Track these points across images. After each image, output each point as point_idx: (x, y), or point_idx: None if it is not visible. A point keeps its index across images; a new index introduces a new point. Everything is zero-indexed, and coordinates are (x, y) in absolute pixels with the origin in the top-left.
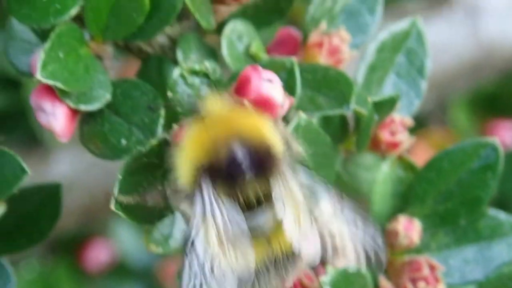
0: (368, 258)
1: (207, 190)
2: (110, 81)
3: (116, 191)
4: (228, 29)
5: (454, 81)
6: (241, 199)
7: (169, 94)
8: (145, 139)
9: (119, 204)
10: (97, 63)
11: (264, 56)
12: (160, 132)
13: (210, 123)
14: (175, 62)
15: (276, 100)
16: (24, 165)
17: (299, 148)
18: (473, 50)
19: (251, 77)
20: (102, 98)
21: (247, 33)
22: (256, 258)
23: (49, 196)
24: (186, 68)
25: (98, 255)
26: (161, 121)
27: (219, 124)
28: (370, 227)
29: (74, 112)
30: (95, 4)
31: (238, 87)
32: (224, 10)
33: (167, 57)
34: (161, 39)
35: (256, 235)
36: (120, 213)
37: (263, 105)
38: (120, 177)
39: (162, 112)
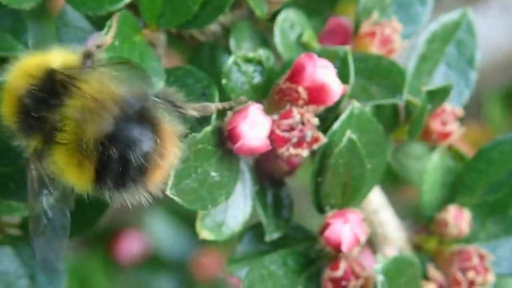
0: None
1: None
2: (163, 69)
3: (172, 177)
4: (280, 18)
5: (489, 76)
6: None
7: (223, 81)
8: (200, 126)
9: (175, 189)
10: (151, 50)
11: (316, 45)
12: (214, 118)
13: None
14: (228, 50)
15: (332, 87)
16: None
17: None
18: (508, 46)
19: (306, 64)
20: (156, 85)
21: (299, 22)
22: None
23: None
24: (240, 56)
25: (131, 247)
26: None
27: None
28: None
29: None
30: None
31: (292, 74)
32: None
33: (219, 45)
34: (213, 27)
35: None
36: (176, 198)
37: (318, 92)
38: None
39: (217, 98)
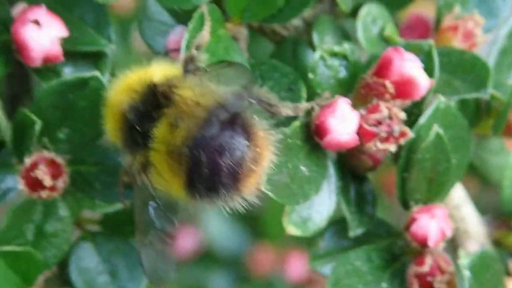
0: None
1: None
2: (248, 63)
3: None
4: (363, 12)
5: None
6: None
7: (310, 75)
8: (287, 121)
9: (268, 184)
10: (235, 44)
11: (398, 39)
12: (302, 113)
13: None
14: (310, 45)
15: (419, 81)
16: None
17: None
18: None
19: (393, 58)
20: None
21: (381, 16)
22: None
23: None
24: (326, 50)
25: (185, 242)
26: (303, 102)
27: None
28: None
29: None
30: None
31: (379, 68)
32: None
33: (301, 40)
34: (296, 21)
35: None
36: (270, 193)
37: (406, 86)
38: None
39: (304, 93)
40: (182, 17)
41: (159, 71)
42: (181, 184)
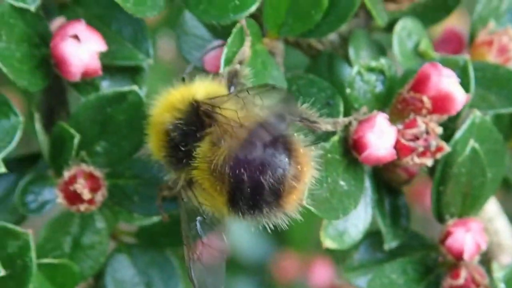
0: None
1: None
2: (284, 77)
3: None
4: (399, 26)
5: None
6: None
7: (348, 90)
8: (325, 135)
9: (310, 199)
10: (272, 59)
11: (433, 54)
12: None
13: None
14: (345, 59)
15: (456, 96)
16: None
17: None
18: None
19: (431, 73)
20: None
21: (416, 31)
22: None
23: None
24: (364, 65)
25: None
26: (341, 117)
27: (157, 116)
28: None
29: None
30: (275, 1)
31: (416, 83)
32: (393, 7)
33: (337, 54)
34: (331, 36)
35: None
36: (312, 208)
37: (443, 101)
38: None
39: (341, 108)
40: (219, 31)
41: (201, 89)
42: (224, 202)
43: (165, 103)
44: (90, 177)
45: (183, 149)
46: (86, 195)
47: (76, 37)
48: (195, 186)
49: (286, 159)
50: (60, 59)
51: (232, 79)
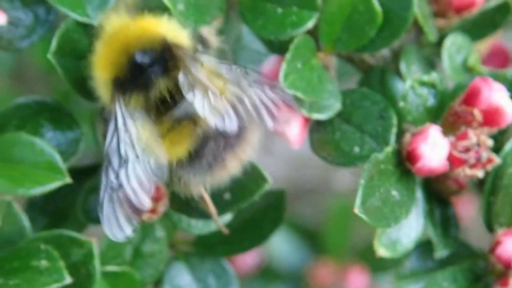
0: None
1: (118, 103)
2: (339, 91)
3: (359, 196)
4: (448, 42)
5: None
6: (156, 100)
7: (401, 104)
8: (379, 147)
9: (362, 208)
10: (327, 73)
11: (481, 68)
12: (393, 140)
13: (110, 38)
14: (397, 73)
15: (507, 110)
16: (265, 173)
17: (213, 40)
18: None
19: (482, 88)
20: (333, 107)
21: (465, 46)
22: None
23: (274, 202)
24: (416, 79)
25: (246, 257)
26: (394, 130)
27: (118, 37)
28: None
29: (306, 120)
30: (330, 17)
31: (467, 97)
32: (442, 23)
33: (389, 68)
34: (383, 51)
35: (182, 126)
36: (363, 216)
37: (493, 114)
38: (363, 182)
39: (395, 120)
40: (276, 46)
41: (171, 30)
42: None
43: (131, 28)
44: None
45: (147, 75)
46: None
47: None
48: (139, 120)
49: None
50: None
51: (199, 43)
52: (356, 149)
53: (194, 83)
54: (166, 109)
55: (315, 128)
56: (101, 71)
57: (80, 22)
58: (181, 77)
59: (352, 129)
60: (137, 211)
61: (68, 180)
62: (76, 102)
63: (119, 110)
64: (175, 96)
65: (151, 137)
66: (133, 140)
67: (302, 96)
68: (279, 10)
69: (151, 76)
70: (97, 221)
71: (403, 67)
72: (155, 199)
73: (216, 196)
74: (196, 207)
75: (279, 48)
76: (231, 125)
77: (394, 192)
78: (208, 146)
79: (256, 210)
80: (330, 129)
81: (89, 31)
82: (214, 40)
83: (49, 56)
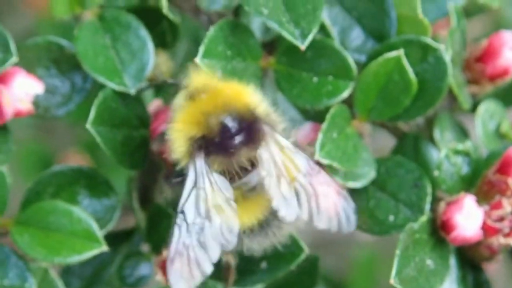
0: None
1: (200, 162)
2: (373, 159)
3: (395, 266)
4: (482, 108)
5: None
6: (235, 167)
7: (436, 172)
8: (413, 216)
9: (398, 278)
10: (361, 141)
11: None
12: (427, 209)
13: (198, 96)
14: (430, 140)
15: None
16: (302, 243)
17: (278, 117)
18: None
19: None
20: (367, 175)
21: (498, 113)
22: (244, 221)
23: (307, 267)
24: (451, 149)
25: None
26: (429, 199)
27: (207, 97)
28: (343, 191)
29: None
30: (365, 86)
31: (502, 166)
32: (476, 90)
33: (422, 135)
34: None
35: (250, 196)
36: (399, 287)
37: None
38: (398, 252)
39: (429, 190)
40: (311, 114)
41: (259, 103)
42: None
43: (224, 91)
44: None
45: (231, 142)
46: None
47: None
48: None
49: None
50: None
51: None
52: (391, 218)
53: (270, 162)
54: (242, 176)
55: (350, 196)
56: (186, 127)
57: (117, 91)
58: (261, 152)
59: (386, 197)
60: (201, 271)
61: (105, 248)
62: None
63: (200, 169)
64: (254, 165)
65: (227, 201)
66: (209, 202)
67: (338, 166)
68: (315, 79)
69: (237, 143)
70: (133, 286)
71: (437, 134)
72: None
73: (253, 264)
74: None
75: (314, 116)
76: (289, 214)
77: (429, 261)
78: (276, 217)
79: (290, 274)
80: (364, 197)
81: (126, 100)
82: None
83: (88, 126)
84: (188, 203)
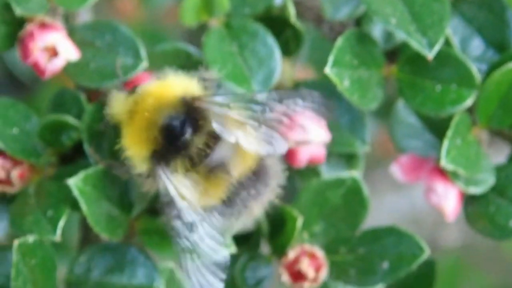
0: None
1: (165, 174)
2: (493, 165)
3: None
4: None
5: None
6: (194, 156)
7: None
8: None
9: None
10: (481, 149)
11: None
12: None
13: (131, 119)
14: None
15: None
16: (423, 244)
17: (212, 74)
18: None
19: None
20: (487, 181)
21: None
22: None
23: (425, 270)
24: None
25: None
26: None
27: (139, 115)
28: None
29: (461, 194)
30: (487, 95)
31: None
32: None
33: None
34: None
35: (219, 173)
36: None
37: None
38: None
39: None
40: (431, 121)
41: (180, 87)
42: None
43: (148, 101)
44: (313, 256)
45: (183, 139)
46: (311, 274)
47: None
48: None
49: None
50: (289, 152)
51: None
52: (511, 223)
53: (230, 125)
54: (200, 160)
55: (470, 201)
56: (137, 151)
57: None
58: (215, 125)
59: (506, 203)
60: (219, 264)
61: (233, 249)
62: None
63: (168, 181)
64: (211, 147)
65: (202, 191)
66: (192, 202)
67: (463, 173)
68: (438, 87)
69: (186, 137)
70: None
71: None
72: (316, 269)
73: (375, 265)
74: (352, 273)
75: (433, 123)
76: (281, 147)
77: None
78: (241, 195)
79: (407, 277)
80: (484, 203)
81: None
82: (211, 74)
83: None
84: (175, 218)
